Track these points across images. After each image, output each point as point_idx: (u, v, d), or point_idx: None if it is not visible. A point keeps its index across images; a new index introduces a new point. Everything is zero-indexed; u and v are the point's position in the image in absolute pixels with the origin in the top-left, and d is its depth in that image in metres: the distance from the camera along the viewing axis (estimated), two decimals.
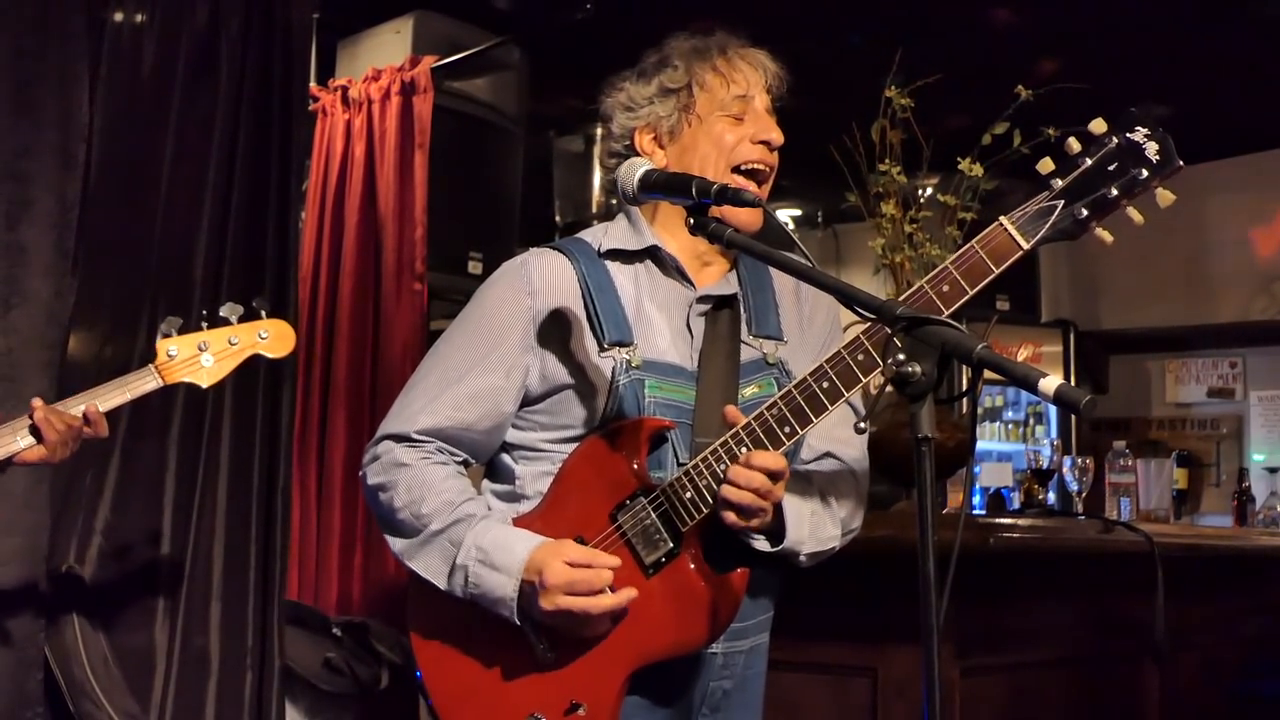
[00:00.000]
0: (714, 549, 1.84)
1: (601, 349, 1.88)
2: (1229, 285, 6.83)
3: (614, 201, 2.04)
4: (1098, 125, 1.75)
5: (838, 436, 1.96)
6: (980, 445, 6.88)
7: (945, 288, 1.74)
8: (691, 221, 1.74)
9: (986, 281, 1.75)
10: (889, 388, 1.49)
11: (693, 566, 1.82)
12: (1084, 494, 3.65)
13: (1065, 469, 3.71)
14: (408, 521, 1.90)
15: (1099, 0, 4.81)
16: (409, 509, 1.90)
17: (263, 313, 2.38)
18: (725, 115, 1.94)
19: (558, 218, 5.73)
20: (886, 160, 3.05)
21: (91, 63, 2.94)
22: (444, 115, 4.20)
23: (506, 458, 1.99)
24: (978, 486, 4.30)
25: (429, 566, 1.89)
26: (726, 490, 1.77)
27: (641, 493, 1.83)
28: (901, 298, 1.74)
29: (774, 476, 1.77)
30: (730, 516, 1.78)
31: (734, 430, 1.79)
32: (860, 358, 1.76)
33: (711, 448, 1.79)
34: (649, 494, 1.83)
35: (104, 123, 2.96)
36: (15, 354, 2.77)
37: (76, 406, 2.23)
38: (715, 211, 1.74)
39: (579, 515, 1.86)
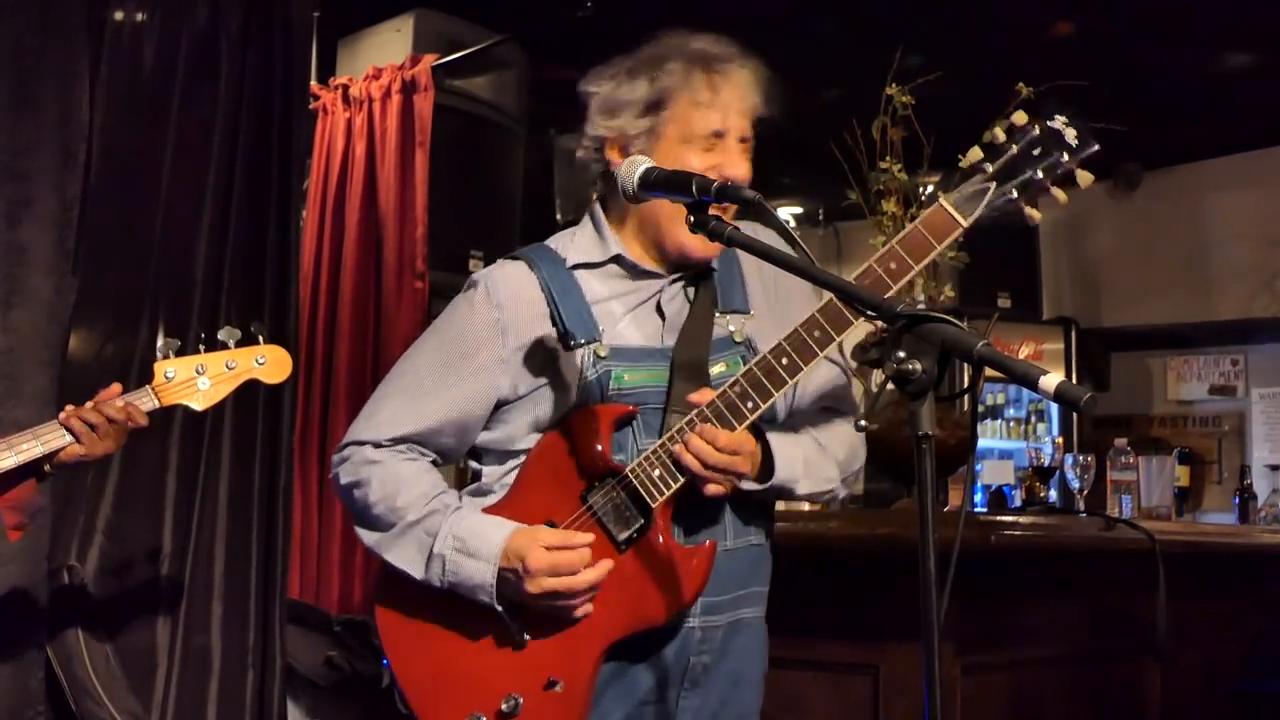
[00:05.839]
0: (686, 525, 1.90)
1: (568, 348, 1.91)
2: (1230, 282, 6.82)
3: None
4: (1019, 117, 1.89)
5: (830, 393, 2.04)
6: (981, 443, 6.87)
7: (892, 265, 1.84)
8: (692, 220, 1.74)
9: (930, 258, 1.87)
10: (889, 385, 1.49)
11: (662, 540, 1.86)
12: (1085, 491, 3.64)
13: (1067, 466, 3.70)
14: (383, 516, 1.93)
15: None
16: (384, 503, 1.93)
17: (260, 337, 2.39)
18: (695, 147, 1.93)
19: (558, 216, 5.72)
20: (887, 158, 3.05)
21: (92, 62, 2.95)
22: (445, 114, 4.20)
23: (475, 455, 2.03)
24: (979, 484, 4.30)
25: (405, 557, 1.91)
26: (680, 453, 1.82)
27: (609, 474, 1.88)
28: (852, 276, 1.83)
29: (722, 450, 1.82)
30: (706, 486, 1.83)
31: (698, 409, 1.84)
32: (816, 334, 1.83)
33: (678, 425, 1.85)
34: (617, 475, 1.87)
35: (104, 122, 2.97)
36: (15, 353, 2.77)
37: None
38: (714, 209, 1.74)
39: (548, 501, 1.90)
